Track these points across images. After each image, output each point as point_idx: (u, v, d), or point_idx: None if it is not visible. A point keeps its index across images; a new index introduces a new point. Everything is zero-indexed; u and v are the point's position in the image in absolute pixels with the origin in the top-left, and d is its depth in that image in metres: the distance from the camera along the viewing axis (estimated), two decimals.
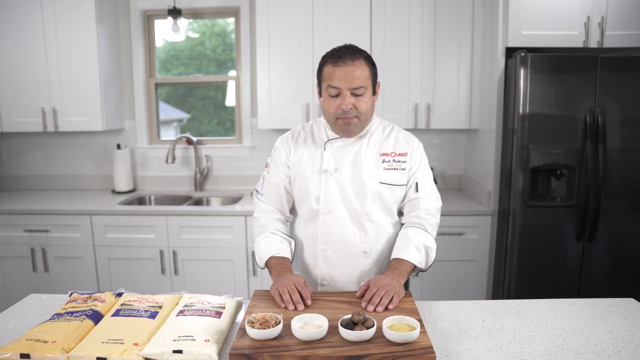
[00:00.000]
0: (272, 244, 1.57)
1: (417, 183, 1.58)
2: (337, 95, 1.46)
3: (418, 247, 1.52)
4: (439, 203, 1.64)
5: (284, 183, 1.63)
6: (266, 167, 1.68)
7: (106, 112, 3.18)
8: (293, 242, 1.63)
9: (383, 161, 1.56)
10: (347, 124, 1.49)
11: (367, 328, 1.16)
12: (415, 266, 1.51)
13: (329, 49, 1.54)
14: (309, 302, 1.37)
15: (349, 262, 1.59)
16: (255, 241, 1.64)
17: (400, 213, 1.65)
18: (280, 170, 1.63)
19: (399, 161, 1.57)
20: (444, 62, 2.99)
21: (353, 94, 1.45)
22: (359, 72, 1.44)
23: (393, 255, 1.53)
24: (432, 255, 1.56)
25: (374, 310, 1.32)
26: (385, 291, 1.35)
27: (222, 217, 2.87)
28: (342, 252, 1.59)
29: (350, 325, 1.18)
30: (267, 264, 1.57)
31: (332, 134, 1.59)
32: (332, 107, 1.47)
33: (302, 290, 1.39)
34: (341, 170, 1.56)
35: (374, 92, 1.53)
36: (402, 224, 1.64)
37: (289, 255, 1.57)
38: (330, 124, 1.54)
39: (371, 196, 1.55)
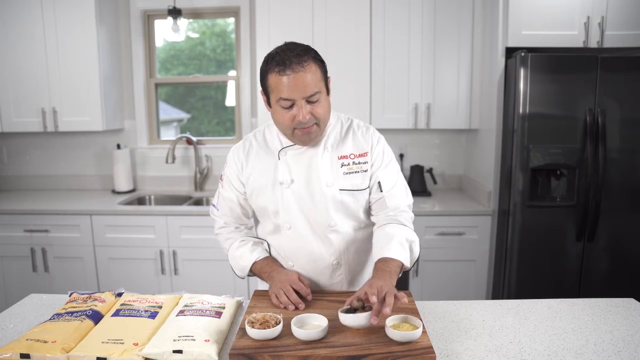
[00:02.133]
0: (247, 251, 1.50)
1: (379, 182, 1.44)
2: (290, 107, 1.30)
3: (401, 242, 1.36)
4: (409, 199, 1.50)
5: (237, 199, 1.51)
6: (220, 179, 1.55)
7: (106, 112, 3.18)
8: (265, 243, 1.54)
9: (342, 165, 1.42)
10: (306, 134, 1.35)
11: None
12: (402, 264, 1.35)
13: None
14: (309, 297, 1.34)
15: (319, 276, 1.50)
16: (228, 256, 1.54)
17: (369, 214, 1.52)
18: (233, 186, 1.50)
19: (359, 163, 1.43)
20: (444, 62, 2.99)
21: (308, 102, 1.30)
22: (310, 76, 1.28)
23: (376, 256, 1.37)
24: (416, 249, 1.42)
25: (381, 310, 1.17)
26: (386, 292, 1.19)
27: None
28: (309, 267, 1.48)
29: (351, 311, 1.19)
30: (252, 272, 1.50)
31: (286, 141, 1.44)
32: (286, 119, 1.32)
33: (300, 288, 1.35)
34: (297, 181, 1.42)
35: (328, 92, 1.38)
36: (374, 224, 1.51)
37: (267, 254, 1.51)
38: (286, 136, 1.41)
39: (333, 206, 1.42)
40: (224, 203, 1.55)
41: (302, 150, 1.43)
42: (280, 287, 1.36)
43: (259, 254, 1.49)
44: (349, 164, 1.43)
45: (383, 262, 1.33)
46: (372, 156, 1.45)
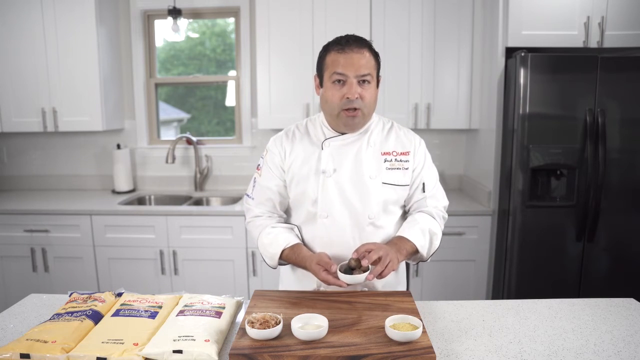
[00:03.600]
0: (277, 238, 1.47)
1: (424, 183, 1.52)
2: (342, 84, 1.38)
3: (423, 230, 1.45)
4: (446, 201, 1.59)
5: (277, 187, 1.53)
6: (257, 169, 1.58)
7: (106, 112, 3.18)
8: (296, 228, 1.53)
9: (385, 160, 1.48)
10: (351, 117, 1.41)
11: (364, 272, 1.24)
12: (417, 249, 1.43)
13: None
14: (333, 268, 1.32)
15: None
16: (258, 243, 1.54)
17: (404, 213, 1.58)
18: (273, 173, 1.53)
19: (401, 160, 1.49)
20: (444, 62, 2.99)
21: (359, 83, 1.38)
22: (365, 60, 1.38)
23: (396, 235, 1.47)
24: (436, 243, 1.49)
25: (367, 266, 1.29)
26: (381, 254, 1.29)
27: (222, 217, 2.87)
28: (341, 259, 1.45)
29: (349, 271, 1.25)
30: (282, 259, 1.47)
31: (329, 133, 1.50)
32: (336, 96, 1.39)
33: (325, 264, 1.34)
34: (340, 170, 1.46)
35: (377, 85, 1.46)
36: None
37: (299, 241, 1.48)
38: (331, 117, 1.45)
39: (375, 198, 1.46)
40: (261, 192, 1.56)
41: (347, 142, 1.49)
42: (315, 271, 1.36)
43: (288, 240, 1.46)
44: (391, 160, 1.49)
45: (398, 238, 1.45)
46: (415, 157, 1.52)
